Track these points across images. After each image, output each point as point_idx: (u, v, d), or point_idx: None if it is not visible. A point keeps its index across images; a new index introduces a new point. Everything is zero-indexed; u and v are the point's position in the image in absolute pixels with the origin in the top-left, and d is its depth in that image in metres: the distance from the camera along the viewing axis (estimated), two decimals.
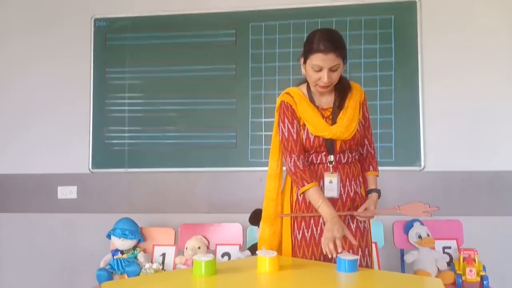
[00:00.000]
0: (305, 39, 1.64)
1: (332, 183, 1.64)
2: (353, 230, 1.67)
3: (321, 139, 1.64)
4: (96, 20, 3.08)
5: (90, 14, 3.09)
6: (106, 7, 3.09)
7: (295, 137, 1.66)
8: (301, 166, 1.63)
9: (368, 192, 1.73)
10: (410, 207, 1.63)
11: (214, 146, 2.93)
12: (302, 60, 1.66)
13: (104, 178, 3.02)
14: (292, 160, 1.65)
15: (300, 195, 1.68)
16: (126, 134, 3.01)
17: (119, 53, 3.06)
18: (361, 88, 1.75)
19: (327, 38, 1.56)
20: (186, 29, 3.00)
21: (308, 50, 1.59)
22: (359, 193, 1.71)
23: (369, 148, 1.78)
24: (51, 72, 3.13)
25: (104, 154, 3.03)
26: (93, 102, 3.06)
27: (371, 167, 1.76)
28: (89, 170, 3.04)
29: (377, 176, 1.77)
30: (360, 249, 1.65)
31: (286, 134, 1.67)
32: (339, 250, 1.44)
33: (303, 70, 1.67)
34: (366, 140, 1.76)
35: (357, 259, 1.43)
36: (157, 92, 3.01)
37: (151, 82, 3.02)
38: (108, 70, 3.06)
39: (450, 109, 2.79)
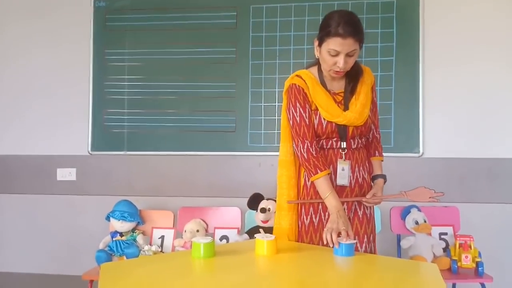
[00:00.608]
0: (321, 21, 1.57)
1: (344, 171, 1.61)
2: (360, 216, 1.66)
3: (334, 124, 1.60)
4: (95, 1, 3.04)
5: None
6: None
7: (307, 122, 1.60)
8: (314, 153, 1.59)
9: (374, 177, 1.71)
10: (416, 193, 1.62)
11: (214, 129, 2.93)
12: (317, 42, 1.58)
13: (103, 161, 3.03)
14: (305, 146, 1.60)
15: (309, 181, 1.64)
16: (126, 117, 3.00)
17: (119, 35, 3.03)
18: (371, 72, 1.70)
19: (346, 22, 1.48)
20: (186, 10, 2.97)
21: (325, 34, 1.51)
22: (367, 179, 1.69)
23: (375, 133, 1.75)
24: (51, 54, 3.11)
25: (104, 137, 3.02)
26: (92, 84, 3.04)
27: (376, 152, 1.74)
28: (89, 153, 3.04)
29: (382, 161, 1.75)
30: (365, 235, 1.65)
31: (298, 119, 1.61)
32: (344, 241, 1.42)
33: (316, 53, 1.60)
34: (372, 125, 1.72)
35: (354, 244, 1.43)
36: (157, 75, 2.99)
37: (151, 64, 3.00)
38: (107, 52, 3.04)
39: (450, 96, 2.78)
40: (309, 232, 1.66)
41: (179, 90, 2.97)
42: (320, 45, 1.57)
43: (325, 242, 1.45)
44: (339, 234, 1.46)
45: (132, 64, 3.02)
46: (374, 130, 1.75)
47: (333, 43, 1.50)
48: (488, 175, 2.73)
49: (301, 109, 1.61)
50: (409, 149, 2.78)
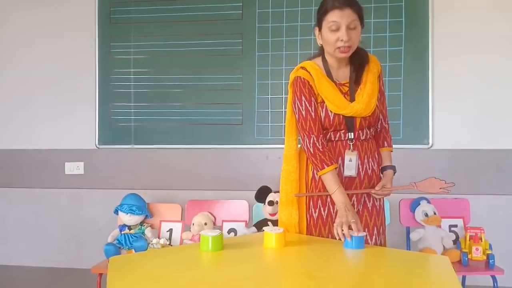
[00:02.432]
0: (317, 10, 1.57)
1: (351, 162, 1.58)
2: (370, 208, 1.64)
3: (341, 116, 1.57)
4: None
5: None
6: None
7: (313, 116, 1.57)
8: (320, 148, 1.56)
9: (383, 168, 1.68)
10: (427, 184, 1.59)
11: (220, 122, 2.91)
12: (316, 29, 1.58)
13: (110, 154, 3.03)
14: (312, 141, 1.57)
15: (317, 175, 1.61)
16: (132, 110, 3.00)
17: (124, 27, 3.01)
18: (378, 61, 1.66)
19: None
20: (191, 2, 2.95)
21: (322, 13, 1.52)
22: (376, 170, 1.66)
23: (384, 123, 1.71)
24: (56, 47, 3.10)
25: (110, 131, 3.02)
26: (98, 77, 3.03)
27: (385, 142, 1.70)
28: (96, 146, 3.04)
29: (391, 151, 1.71)
30: (375, 228, 1.63)
31: (303, 112, 1.59)
32: (356, 234, 1.39)
33: (319, 41, 1.59)
34: (381, 115, 1.69)
35: (364, 236, 1.42)
36: (163, 67, 2.98)
37: (157, 57, 2.98)
38: (113, 45, 3.03)
39: (460, 87, 2.74)
40: (317, 225, 1.64)
41: (186, 83, 2.96)
42: (320, 28, 1.55)
43: (337, 238, 1.43)
44: (349, 227, 1.43)
45: (137, 57, 3.00)
46: (383, 120, 1.71)
47: (332, 16, 1.50)
48: (497, 166, 2.70)
49: (306, 103, 1.59)
50: (418, 141, 2.74)
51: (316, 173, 1.60)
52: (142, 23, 3.00)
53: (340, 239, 1.43)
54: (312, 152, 1.57)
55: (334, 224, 1.47)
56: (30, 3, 3.14)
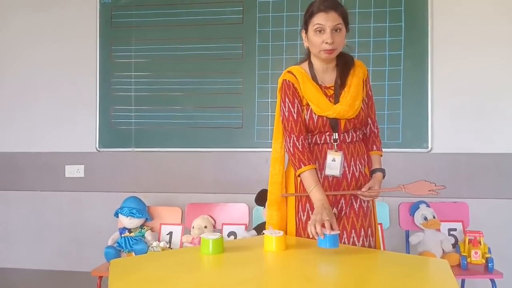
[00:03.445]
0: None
1: (335, 161, 1.61)
2: (356, 209, 1.65)
3: (325, 118, 1.61)
4: None
5: None
6: None
7: (295, 117, 1.62)
8: (300, 147, 1.60)
9: (373, 171, 1.70)
10: (415, 186, 1.60)
11: (221, 126, 2.92)
12: (303, 32, 1.63)
13: (111, 157, 3.04)
14: (291, 140, 1.61)
15: (296, 174, 1.64)
16: (133, 114, 3.01)
17: (125, 31, 3.03)
18: (364, 65, 1.71)
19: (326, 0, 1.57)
20: (192, 6, 2.96)
21: (308, 16, 1.59)
22: (363, 172, 1.68)
23: (373, 128, 1.74)
24: (57, 51, 3.11)
25: (111, 134, 3.03)
26: (99, 81, 3.04)
27: (374, 146, 1.73)
28: (96, 149, 3.05)
29: (381, 155, 1.73)
30: (362, 229, 1.63)
31: (286, 113, 1.63)
32: (328, 232, 1.37)
33: (305, 44, 1.64)
34: (369, 119, 1.72)
35: (338, 235, 1.40)
36: (164, 71, 2.99)
37: (157, 61, 3.00)
38: (114, 49, 3.04)
39: (459, 91, 2.75)
40: (306, 228, 1.61)
41: (186, 87, 2.97)
42: (306, 31, 1.61)
43: (310, 236, 1.41)
44: (323, 226, 1.41)
45: (138, 60, 3.02)
46: (372, 125, 1.73)
47: (317, 19, 1.55)
48: (496, 170, 2.71)
49: (289, 104, 1.63)
50: (417, 145, 2.75)
51: (296, 173, 1.62)
52: (143, 27, 3.01)
53: (314, 238, 1.41)
54: (292, 151, 1.62)
55: (309, 222, 1.45)
56: (31, 7, 3.15)
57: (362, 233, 1.63)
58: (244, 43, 2.91)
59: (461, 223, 2.45)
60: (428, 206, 2.47)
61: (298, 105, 1.62)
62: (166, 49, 2.98)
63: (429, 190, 1.58)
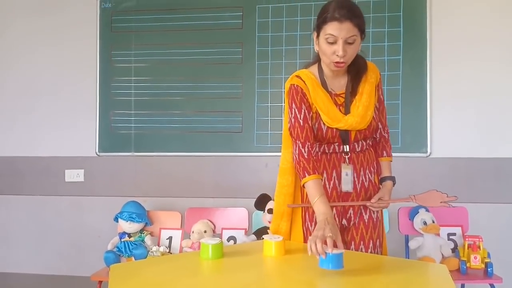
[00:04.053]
0: (318, 12, 1.50)
1: (348, 176, 1.55)
2: (366, 220, 1.60)
3: (334, 130, 1.53)
4: (101, 1, 3.06)
5: None
6: None
7: (301, 123, 1.53)
8: (305, 155, 1.51)
9: (382, 179, 1.64)
10: (426, 197, 1.53)
11: (220, 130, 2.93)
12: (315, 34, 1.51)
13: (111, 162, 3.04)
14: (297, 147, 1.52)
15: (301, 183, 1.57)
16: (133, 118, 3.02)
17: (125, 36, 3.04)
18: (377, 69, 1.61)
19: (343, 6, 1.42)
20: (191, 11, 2.97)
21: (322, 21, 1.45)
22: (373, 181, 1.62)
23: (383, 132, 1.66)
24: (57, 55, 3.13)
25: (111, 138, 3.04)
26: (99, 85, 3.05)
27: (384, 152, 1.65)
28: (96, 154, 3.05)
29: (391, 161, 1.67)
30: (371, 241, 1.58)
31: (293, 120, 1.55)
32: (329, 251, 1.22)
33: (316, 47, 1.52)
34: (380, 124, 1.64)
35: (342, 254, 1.25)
36: (163, 76, 3.00)
37: (157, 65, 3.01)
38: (114, 53, 3.05)
39: (458, 95, 2.76)
40: None
41: (186, 91, 2.98)
42: (318, 35, 1.49)
43: (309, 253, 1.24)
44: (326, 243, 1.26)
45: (138, 65, 3.03)
46: (382, 129, 1.66)
47: (330, 28, 1.43)
48: (496, 175, 2.71)
49: (296, 110, 1.54)
50: (416, 149, 2.76)
51: (301, 182, 1.54)
52: (143, 31, 3.02)
53: (317, 255, 1.25)
54: (297, 159, 1.52)
55: (309, 238, 1.28)
56: (31, 11, 3.16)
57: (371, 244, 1.58)
58: (244, 48, 2.92)
59: (460, 228, 2.45)
60: (427, 210, 2.47)
61: (306, 111, 1.53)
62: (166, 54, 3.00)
63: (441, 202, 1.51)
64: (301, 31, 2.86)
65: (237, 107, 2.92)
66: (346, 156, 1.57)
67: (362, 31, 1.47)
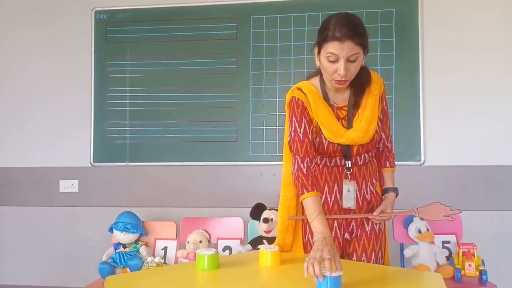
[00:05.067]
0: (320, 26, 1.46)
1: (350, 192, 1.52)
2: (368, 232, 1.58)
3: (336, 145, 1.50)
4: (96, 13, 3.07)
5: (91, 6, 3.07)
6: None
7: (301, 137, 1.49)
8: (304, 171, 1.47)
9: (385, 191, 1.62)
10: (429, 210, 1.50)
11: (215, 140, 2.94)
12: (316, 50, 1.47)
13: (105, 172, 3.03)
14: (296, 163, 1.49)
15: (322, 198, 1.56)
16: (127, 128, 3.02)
17: (120, 46, 3.05)
18: (381, 79, 1.57)
19: (344, 23, 1.37)
20: (186, 21, 2.99)
21: (322, 38, 1.40)
22: (375, 192, 1.60)
23: (386, 142, 1.64)
24: (52, 66, 3.13)
25: (105, 148, 3.03)
26: (94, 95, 3.06)
27: (388, 162, 1.64)
28: (91, 164, 3.05)
29: (394, 171, 1.65)
30: (373, 253, 1.57)
31: (292, 133, 1.52)
32: (328, 274, 1.15)
33: (317, 62, 1.48)
34: (383, 134, 1.60)
35: (341, 276, 1.18)
36: (158, 86, 3.01)
37: (152, 76, 3.02)
38: (108, 64, 3.06)
39: (450, 104, 2.79)
40: None
41: (181, 101, 2.99)
42: (319, 52, 1.45)
43: (305, 274, 1.19)
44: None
45: (133, 75, 3.04)
46: (385, 139, 1.64)
47: (331, 47, 1.38)
48: (489, 182, 2.74)
49: (296, 123, 1.51)
50: (410, 157, 2.78)
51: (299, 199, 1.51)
52: (138, 42, 3.04)
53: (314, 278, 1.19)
54: (296, 174, 1.49)
55: (306, 259, 1.23)
56: (27, 22, 3.17)
57: (373, 256, 1.57)
58: (238, 58, 2.95)
59: (454, 236, 2.46)
60: (421, 218, 2.49)
61: (306, 125, 1.50)
62: (161, 64, 3.01)
63: (444, 215, 1.49)
64: (295, 41, 2.89)
65: (232, 117, 2.94)
66: (348, 172, 1.54)
67: (365, 47, 1.44)
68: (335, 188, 1.55)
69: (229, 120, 2.94)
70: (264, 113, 2.91)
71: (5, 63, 3.19)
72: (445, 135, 2.78)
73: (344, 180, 1.53)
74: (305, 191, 1.46)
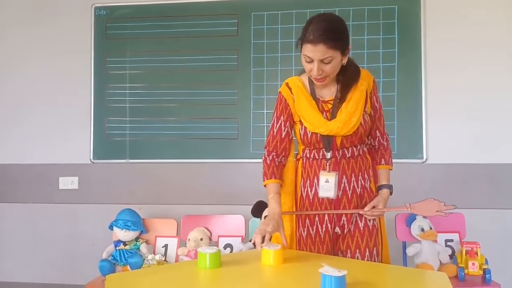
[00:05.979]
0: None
1: (328, 183, 1.55)
2: (361, 228, 1.59)
3: (318, 135, 1.55)
4: (96, 9, 3.05)
5: (91, 2, 3.05)
6: None
7: (274, 133, 1.64)
8: (268, 162, 1.64)
9: (379, 188, 1.63)
10: (422, 206, 1.52)
11: (216, 137, 2.92)
12: (299, 48, 1.55)
13: (105, 169, 3.01)
14: (264, 155, 1.66)
15: (305, 191, 1.63)
16: (127, 125, 3.00)
17: (120, 43, 3.03)
18: (370, 76, 1.61)
19: (319, 27, 1.43)
20: (187, 18, 2.97)
21: (300, 39, 1.50)
22: (368, 188, 1.61)
23: (381, 140, 1.66)
24: (52, 63, 3.11)
25: (105, 145, 3.01)
26: (93, 92, 3.04)
27: (383, 160, 1.64)
28: (91, 161, 3.03)
29: (390, 169, 1.66)
30: (367, 249, 1.57)
31: (270, 126, 1.67)
32: (263, 244, 1.41)
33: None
34: (377, 132, 1.64)
35: (345, 277, 1.13)
36: (158, 82, 2.99)
37: (152, 72, 3.00)
38: (108, 60, 3.04)
39: (453, 101, 2.77)
40: (307, 244, 1.63)
41: (181, 98, 2.97)
42: (300, 50, 1.53)
43: (257, 247, 1.42)
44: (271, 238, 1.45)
45: (133, 72, 3.01)
46: (380, 137, 1.65)
47: (306, 49, 1.47)
48: (491, 180, 2.72)
49: (275, 119, 1.65)
50: (412, 155, 2.77)
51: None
52: (137, 39, 3.01)
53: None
54: (262, 164, 1.66)
55: (255, 230, 1.47)
56: (26, 18, 3.15)
57: (367, 253, 1.57)
58: (239, 55, 2.92)
59: (457, 234, 2.45)
60: (424, 217, 2.47)
61: (283, 122, 1.63)
62: (161, 61, 2.99)
63: (437, 211, 1.50)
64: (296, 38, 2.84)
65: (233, 114, 2.92)
66: (327, 163, 1.59)
67: (343, 50, 1.48)
68: (314, 181, 1.60)
69: (230, 117, 2.92)
70: (265, 110, 2.89)
71: (5, 60, 3.17)
72: (447, 133, 2.77)
73: (321, 171, 1.58)
74: (265, 178, 1.63)
